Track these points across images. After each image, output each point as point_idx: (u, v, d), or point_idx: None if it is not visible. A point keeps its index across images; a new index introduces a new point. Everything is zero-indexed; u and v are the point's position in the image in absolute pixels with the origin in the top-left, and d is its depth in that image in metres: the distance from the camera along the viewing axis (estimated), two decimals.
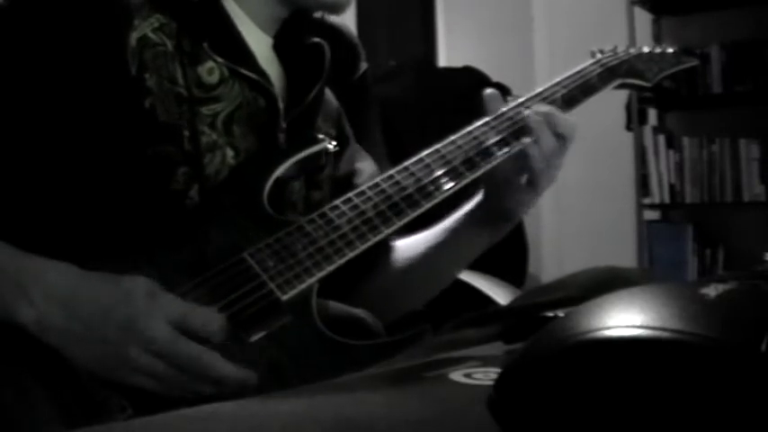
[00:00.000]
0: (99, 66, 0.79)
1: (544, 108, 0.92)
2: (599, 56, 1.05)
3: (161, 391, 0.70)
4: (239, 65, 0.85)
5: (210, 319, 0.72)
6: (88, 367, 0.69)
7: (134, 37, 0.81)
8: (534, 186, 0.94)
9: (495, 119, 0.91)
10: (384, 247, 1.00)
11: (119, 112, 0.79)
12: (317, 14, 0.94)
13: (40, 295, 0.69)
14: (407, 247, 1.02)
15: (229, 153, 0.84)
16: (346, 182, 0.97)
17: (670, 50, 1.15)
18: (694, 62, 1.21)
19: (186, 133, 0.81)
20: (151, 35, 0.82)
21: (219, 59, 0.84)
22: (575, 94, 0.97)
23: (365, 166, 1.01)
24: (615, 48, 1.08)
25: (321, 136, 0.90)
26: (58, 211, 0.79)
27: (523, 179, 0.94)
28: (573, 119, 0.94)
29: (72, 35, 0.79)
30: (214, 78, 0.84)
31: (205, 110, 0.83)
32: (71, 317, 0.69)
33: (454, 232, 0.99)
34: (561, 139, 0.92)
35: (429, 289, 1.03)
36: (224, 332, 0.72)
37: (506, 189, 0.95)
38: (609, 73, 1.03)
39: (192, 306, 0.72)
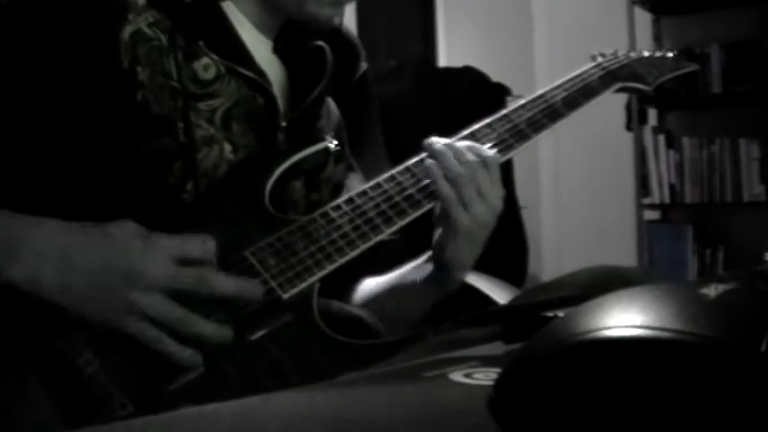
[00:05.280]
0: (91, 59, 0.80)
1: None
2: (600, 59, 1.05)
3: (156, 341, 0.71)
4: (235, 63, 0.85)
5: (204, 240, 0.74)
6: (86, 318, 0.70)
7: (128, 31, 0.81)
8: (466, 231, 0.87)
9: (497, 121, 0.92)
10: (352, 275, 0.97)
11: (111, 104, 0.80)
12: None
13: (29, 253, 0.70)
14: (363, 286, 0.99)
15: (227, 148, 0.84)
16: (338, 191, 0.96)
17: (670, 55, 1.15)
18: (694, 67, 1.21)
19: (180, 125, 0.81)
20: (146, 30, 0.82)
21: (215, 57, 0.84)
22: (575, 97, 0.98)
23: (354, 184, 1.00)
24: (616, 52, 1.08)
25: (323, 135, 0.90)
26: (56, 205, 0.79)
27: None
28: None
29: (67, 29, 0.80)
30: (210, 74, 0.84)
31: (202, 105, 0.83)
32: (68, 271, 0.70)
33: (402, 282, 0.95)
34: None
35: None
36: (218, 251, 0.74)
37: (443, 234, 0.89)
38: (609, 76, 1.03)
39: (182, 236, 0.74)
